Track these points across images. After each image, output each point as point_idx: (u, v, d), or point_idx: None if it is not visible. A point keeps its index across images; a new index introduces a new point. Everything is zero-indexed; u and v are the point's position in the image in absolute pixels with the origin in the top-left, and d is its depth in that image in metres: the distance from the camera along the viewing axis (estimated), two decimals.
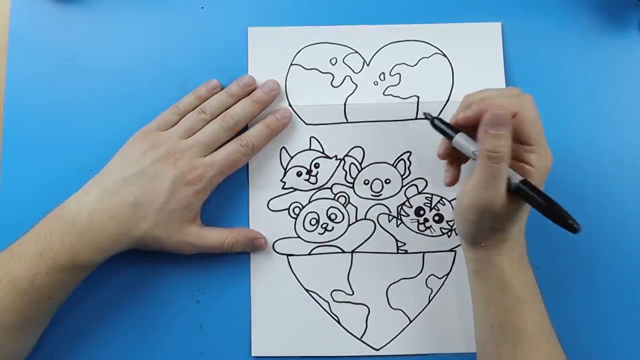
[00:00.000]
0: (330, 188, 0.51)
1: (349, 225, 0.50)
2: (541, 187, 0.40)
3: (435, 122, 0.44)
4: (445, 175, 0.46)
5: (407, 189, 0.50)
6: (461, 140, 0.42)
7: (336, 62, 0.51)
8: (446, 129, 0.43)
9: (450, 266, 0.50)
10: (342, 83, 0.51)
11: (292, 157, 0.51)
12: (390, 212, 0.50)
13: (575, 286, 0.50)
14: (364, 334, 0.50)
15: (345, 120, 0.51)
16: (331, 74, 0.51)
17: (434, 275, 0.50)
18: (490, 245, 0.42)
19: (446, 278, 0.50)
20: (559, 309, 0.49)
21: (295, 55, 0.51)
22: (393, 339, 0.49)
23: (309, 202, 0.50)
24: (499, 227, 0.42)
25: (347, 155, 0.51)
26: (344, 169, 0.51)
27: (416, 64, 0.51)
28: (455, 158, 0.45)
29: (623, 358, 0.49)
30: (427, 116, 0.45)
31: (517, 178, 0.39)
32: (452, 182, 0.45)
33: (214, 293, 0.50)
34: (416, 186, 0.50)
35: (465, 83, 0.51)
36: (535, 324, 0.42)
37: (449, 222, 0.50)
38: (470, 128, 0.42)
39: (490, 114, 0.38)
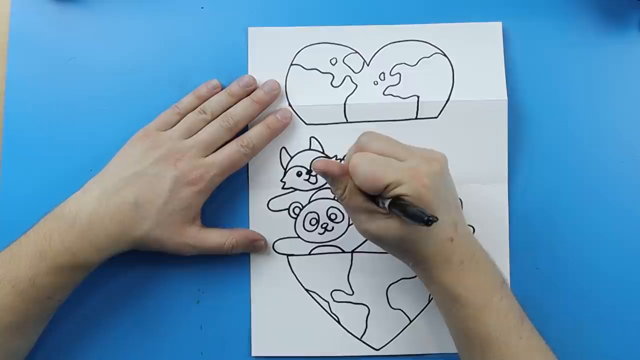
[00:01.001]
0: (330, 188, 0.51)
1: (349, 225, 0.50)
2: (430, 190, 0.39)
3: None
4: None
5: None
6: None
7: (336, 62, 0.51)
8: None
9: None
10: (342, 83, 0.51)
11: (292, 157, 0.51)
12: None
13: (575, 286, 0.50)
14: (364, 334, 0.50)
15: (345, 120, 0.51)
16: (331, 74, 0.51)
17: None
18: (417, 265, 0.42)
19: None
20: (559, 309, 0.50)
21: (295, 55, 0.51)
22: (393, 339, 0.50)
23: (309, 202, 0.50)
24: (402, 250, 0.42)
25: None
26: None
27: (416, 64, 0.51)
28: None
29: (625, 357, 0.49)
30: None
31: (387, 202, 0.39)
32: None
33: (214, 293, 0.50)
34: None
35: (465, 83, 0.51)
36: (498, 325, 0.40)
37: None
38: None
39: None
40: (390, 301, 0.50)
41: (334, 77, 0.51)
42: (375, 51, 0.51)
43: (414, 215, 0.37)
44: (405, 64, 0.51)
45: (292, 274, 0.50)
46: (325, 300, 0.50)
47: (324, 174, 0.42)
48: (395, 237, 0.41)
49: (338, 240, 0.50)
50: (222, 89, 0.50)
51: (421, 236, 0.40)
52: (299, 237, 0.50)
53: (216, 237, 0.48)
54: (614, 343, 0.49)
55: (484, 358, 0.41)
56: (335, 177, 0.42)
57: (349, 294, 0.50)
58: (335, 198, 0.49)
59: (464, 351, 0.43)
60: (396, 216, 0.40)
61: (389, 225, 0.40)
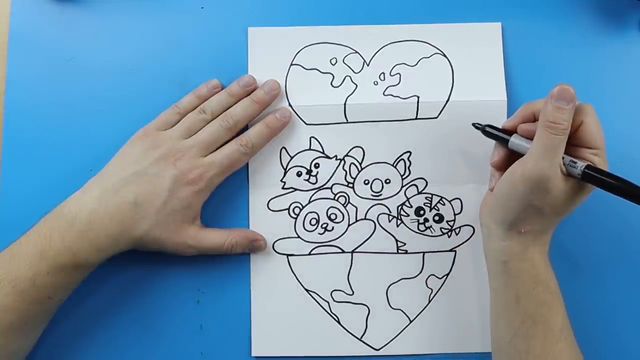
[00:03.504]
0: (330, 188, 0.51)
1: (349, 225, 0.50)
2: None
3: (487, 129, 0.46)
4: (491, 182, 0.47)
5: (407, 189, 0.50)
6: (517, 140, 0.44)
7: (336, 62, 0.51)
8: (499, 134, 0.45)
9: (450, 266, 0.50)
10: (342, 83, 0.51)
11: (292, 157, 0.51)
12: (390, 212, 0.50)
13: (575, 286, 0.49)
14: (364, 334, 0.50)
15: (345, 120, 0.51)
16: (331, 74, 0.51)
17: (434, 275, 0.50)
18: (529, 234, 0.43)
19: (446, 278, 0.50)
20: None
21: (295, 55, 0.51)
22: (393, 339, 0.49)
23: (309, 202, 0.50)
24: (546, 211, 0.42)
25: (347, 155, 0.51)
26: (344, 169, 0.51)
27: (416, 64, 0.51)
28: (508, 166, 0.44)
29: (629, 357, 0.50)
30: (477, 126, 0.47)
31: (581, 164, 0.40)
32: None
33: (214, 293, 0.50)
34: (416, 186, 0.50)
35: (465, 83, 0.51)
36: (564, 317, 0.43)
37: (449, 222, 0.50)
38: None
39: (558, 87, 0.40)
40: (390, 301, 0.50)
41: (334, 77, 0.51)
42: (375, 51, 0.51)
43: (631, 191, 0.39)
44: (405, 64, 0.51)
45: (292, 274, 0.50)
46: (325, 300, 0.50)
47: (568, 97, 0.40)
48: (564, 196, 0.41)
49: (338, 240, 0.50)
50: (222, 89, 0.50)
51: (573, 205, 0.42)
52: (299, 237, 0.50)
53: (215, 237, 0.48)
54: (614, 342, 0.49)
55: (544, 345, 0.42)
56: (574, 102, 0.40)
57: (349, 294, 0.50)
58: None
59: (523, 339, 0.43)
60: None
61: (569, 184, 0.41)
